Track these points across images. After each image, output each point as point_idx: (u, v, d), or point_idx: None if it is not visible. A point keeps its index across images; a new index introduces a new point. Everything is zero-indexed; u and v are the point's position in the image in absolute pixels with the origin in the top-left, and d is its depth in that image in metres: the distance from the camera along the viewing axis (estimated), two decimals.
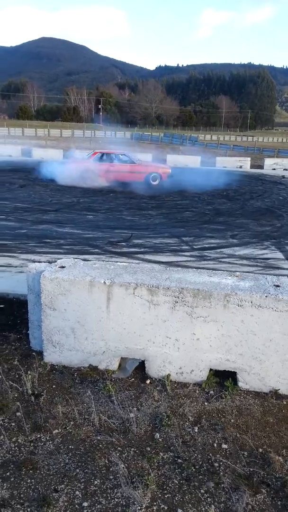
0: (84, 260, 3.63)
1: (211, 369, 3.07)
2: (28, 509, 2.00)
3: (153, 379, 3.10)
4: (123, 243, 7.16)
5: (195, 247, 7.11)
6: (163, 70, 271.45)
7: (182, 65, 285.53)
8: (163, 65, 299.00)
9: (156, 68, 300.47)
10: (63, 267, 3.31)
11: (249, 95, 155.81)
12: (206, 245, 7.24)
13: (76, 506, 2.03)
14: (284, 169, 24.92)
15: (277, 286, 3.02)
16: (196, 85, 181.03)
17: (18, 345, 3.51)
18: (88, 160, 15.39)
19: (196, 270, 3.44)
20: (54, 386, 2.98)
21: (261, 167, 26.41)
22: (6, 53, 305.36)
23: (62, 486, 2.14)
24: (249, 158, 27.13)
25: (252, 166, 26.40)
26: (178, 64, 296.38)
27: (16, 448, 2.38)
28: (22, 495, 2.08)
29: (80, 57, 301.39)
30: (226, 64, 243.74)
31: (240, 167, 25.50)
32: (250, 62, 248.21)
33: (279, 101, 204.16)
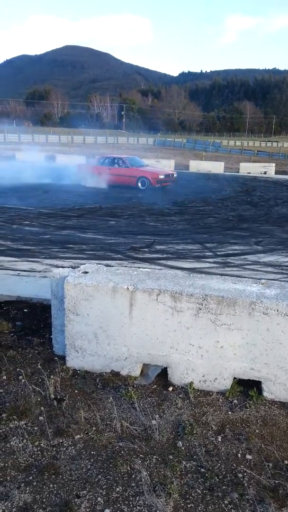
0: (107, 265, 3.64)
1: (235, 378, 3.02)
2: None
3: (176, 386, 3.07)
4: (145, 249, 7.16)
5: (218, 253, 7.05)
6: (186, 76, 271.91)
7: (206, 71, 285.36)
8: (186, 71, 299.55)
9: (179, 74, 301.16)
10: (86, 272, 3.33)
11: (274, 101, 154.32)
12: (230, 252, 7.17)
13: None
14: None
15: None
16: (219, 91, 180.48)
17: (41, 349, 3.53)
18: (90, 164, 16.89)
19: (220, 276, 3.40)
20: (76, 391, 2.98)
21: (287, 173, 26.08)
22: (31, 61, 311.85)
23: (84, 492, 2.13)
24: (273, 164, 26.84)
25: (277, 172, 26.10)
26: (201, 70, 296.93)
27: (39, 452, 2.39)
28: (44, 500, 2.08)
29: (103, 65, 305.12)
30: (250, 70, 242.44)
31: (265, 173, 25.25)
32: (275, 68, 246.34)
33: None
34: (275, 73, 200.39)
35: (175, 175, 17.31)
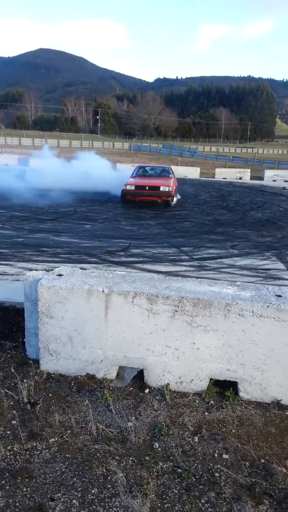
0: (82, 269, 3.61)
1: (211, 379, 3.03)
2: None
3: (152, 388, 3.06)
4: (121, 253, 7.14)
5: (194, 257, 7.10)
6: (162, 82, 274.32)
7: (181, 78, 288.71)
8: (162, 78, 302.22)
9: (155, 80, 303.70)
10: (60, 275, 3.28)
11: (249, 108, 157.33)
12: (206, 255, 7.23)
13: None
14: (284, 181, 25.08)
15: (279, 296, 3.00)
16: (195, 97, 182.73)
17: (14, 353, 3.46)
18: None
19: (196, 279, 3.42)
20: (50, 395, 2.93)
21: (261, 178, 26.58)
22: (4, 63, 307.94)
23: (59, 494, 2.09)
24: (249, 170, 27.33)
25: (252, 178, 26.58)
26: (177, 77, 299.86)
27: (12, 456, 2.33)
28: (17, 504, 2.02)
29: (78, 69, 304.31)
30: (226, 77, 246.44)
31: (240, 178, 25.67)
32: (250, 75, 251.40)
33: (280, 114, 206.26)
34: (250, 80, 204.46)
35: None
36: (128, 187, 12.76)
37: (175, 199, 13.20)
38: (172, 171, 15.20)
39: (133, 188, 12.80)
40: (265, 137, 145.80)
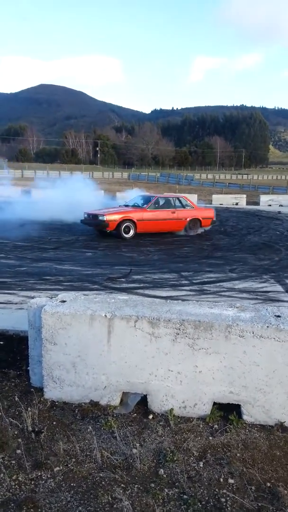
0: (84, 295, 3.65)
1: (214, 403, 3.02)
2: None
3: (156, 414, 3.05)
4: (122, 279, 7.19)
5: (194, 281, 7.14)
6: (158, 113, 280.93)
7: (177, 108, 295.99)
8: (158, 109, 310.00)
9: (152, 111, 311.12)
10: (64, 301, 3.32)
11: (242, 135, 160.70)
12: (206, 279, 7.27)
13: None
14: (279, 205, 25.41)
15: (278, 316, 3.03)
16: (190, 127, 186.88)
17: (18, 381, 3.46)
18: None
19: (197, 302, 3.46)
20: (54, 423, 2.92)
21: (257, 203, 26.91)
22: (6, 99, 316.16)
23: None
24: (245, 195, 27.71)
25: (248, 203, 26.91)
26: (173, 107, 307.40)
27: (17, 486, 2.32)
28: None
29: (78, 102, 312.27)
30: (219, 107, 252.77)
31: (237, 204, 25.98)
32: (242, 104, 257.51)
33: (273, 140, 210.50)
34: (243, 109, 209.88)
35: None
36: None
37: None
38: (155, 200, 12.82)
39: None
40: (260, 164, 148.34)
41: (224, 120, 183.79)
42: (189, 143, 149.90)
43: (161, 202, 12.81)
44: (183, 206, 12.99)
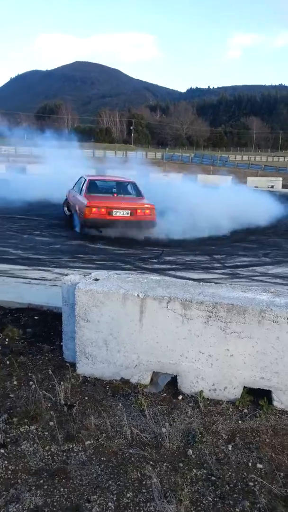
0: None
1: (245, 387, 3.01)
2: None
3: (185, 395, 3.07)
4: (154, 260, 7.19)
5: (227, 264, 7.06)
6: (194, 92, 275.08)
7: (213, 87, 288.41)
8: (194, 87, 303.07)
9: (187, 90, 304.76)
10: (97, 279, 3.35)
11: (280, 116, 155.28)
12: (238, 263, 7.18)
13: None
14: None
15: None
16: (226, 107, 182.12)
17: (52, 356, 3.55)
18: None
19: (230, 285, 3.42)
20: (86, 398, 2.99)
21: None
22: (42, 76, 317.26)
23: (95, 496, 2.12)
24: (281, 178, 26.94)
25: (284, 186, 26.16)
26: (208, 86, 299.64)
27: (49, 456, 2.40)
28: (55, 503, 2.08)
29: (113, 80, 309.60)
30: (257, 86, 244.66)
31: (272, 187, 25.32)
32: (281, 83, 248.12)
33: None
34: (281, 89, 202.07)
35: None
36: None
37: None
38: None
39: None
40: None
41: (262, 100, 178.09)
42: (225, 123, 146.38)
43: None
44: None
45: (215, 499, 2.15)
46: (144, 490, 2.18)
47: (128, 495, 2.15)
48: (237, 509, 2.09)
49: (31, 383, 3.08)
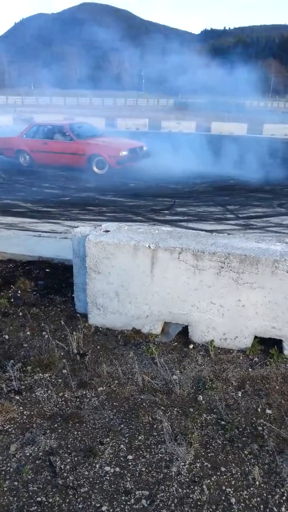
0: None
1: (256, 337, 3.02)
2: (75, 458, 2.09)
3: (196, 344, 3.10)
4: (165, 211, 7.10)
5: (240, 215, 6.94)
6: (208, 34, 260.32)
7: (229, 28, 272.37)
8: (209, 29, 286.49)
9: (201, 32, 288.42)
10: (107, 231, 3.31)
11: None
12: (252, 214, 7.04)
13: (121, 458, 2.09)
14: None
15: None
16: (243, 49, 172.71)
17: (64, 307, 3.59)
18: (17, 137, 11.74)
19: (243, 235, 3.35)
20: (98, 347, 3.04)
21: None
22: (47, 20, 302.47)
23: (108, 439, 2.20)
24: None
25: None
26: (224, 27, 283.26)
27: (63, 402, 2.47)
28: (69, 446, 2.16)
29: (122, 22, 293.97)
30: (277, 26, 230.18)
31: None
32: None
33: None
34: None
35: (144, 148, 11.62)
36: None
37: None
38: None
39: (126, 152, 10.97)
40: None
41: (281, 41, 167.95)
42: (242, 66, 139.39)
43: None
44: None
45: (224, 442, 2.21)
46: (155, 433, 2.25)
47: (140, 437, 2.22)
48: (245, 452, 2.15)
49: (44, 333, 3.14)
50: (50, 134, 11.33)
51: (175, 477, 2.00)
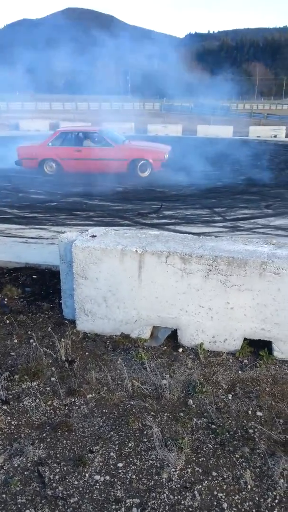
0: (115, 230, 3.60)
1: (245, 339, 3.01)
2: (65, 468, 2.05)
3: (186, 347, 3.09)
4: (153, 215, 7.09)
5: (227, 218, 6.96)
6: (193, 38, 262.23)
7: (213, 32, 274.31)
8: (193, 33, 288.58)
9: (186, 36, 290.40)
10: (94, 236, 3.29)
11: (284, 61, 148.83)
12: (240, 216, 7.07)
13: (111, 466, 2.06)
14: None
15: None
16: (227, 53, 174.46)
17: (51, 314, 3.55)
18: (41, 145, 11.13)
19: (231, 238, 3.35)
20: (87, 353, 3.01)
21: None
22: (32, 26, 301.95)
23: (97, 447, 2.17)
24: (284, 127, 26.12)
25: (287, 135, 25.43)
26: (208, 31, 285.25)
27: (52, 411, 2.44)
28: (58, 455, 2.13)
29: (107, 28, 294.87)
30: (260, 29, 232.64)
31: (275, 136, 24.61)
32: (286, 26, 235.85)
33: None
34: (286, 31, 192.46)
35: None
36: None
37: None
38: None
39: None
40: None
41: (265, 44, 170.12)
42: (226, 70, 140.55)
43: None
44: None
45: (215, 446, 2.20)
46: (145, 440, 2.22)
47: (130, 444, 2.20)
48: (237, 455, 2.14)
49: (31, 341, 3.10)
50: (82, 141, 11.05)
51: (166, 484, 1.98)
